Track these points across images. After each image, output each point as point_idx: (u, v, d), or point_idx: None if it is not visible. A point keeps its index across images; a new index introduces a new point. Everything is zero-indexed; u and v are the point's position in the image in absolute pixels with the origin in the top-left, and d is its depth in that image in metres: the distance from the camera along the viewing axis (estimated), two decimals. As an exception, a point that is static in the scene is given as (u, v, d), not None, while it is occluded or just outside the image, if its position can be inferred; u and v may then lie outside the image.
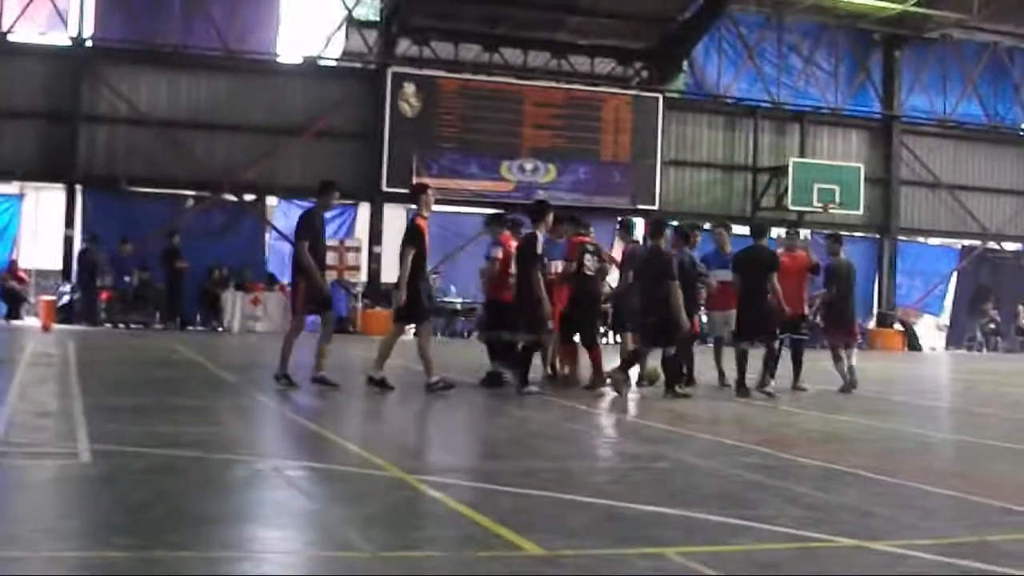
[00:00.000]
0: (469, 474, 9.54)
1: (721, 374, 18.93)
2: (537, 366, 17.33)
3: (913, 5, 39.53)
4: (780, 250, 19.68)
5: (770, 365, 17.82)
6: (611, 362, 17.51)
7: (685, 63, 40.97)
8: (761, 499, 8.58)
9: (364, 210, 36.99)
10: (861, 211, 41.25)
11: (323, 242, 16.63)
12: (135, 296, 33.33)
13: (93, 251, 32.86)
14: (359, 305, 35.98)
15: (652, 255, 17.27)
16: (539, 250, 16.44)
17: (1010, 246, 46.51)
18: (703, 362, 19.04)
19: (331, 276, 34.73)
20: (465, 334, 34.63)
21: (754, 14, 41.42)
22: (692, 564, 6.18)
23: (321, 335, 16.19)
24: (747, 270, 18.00)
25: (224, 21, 35.45)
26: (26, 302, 35.10)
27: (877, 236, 43.32)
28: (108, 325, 32.63)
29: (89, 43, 34.57)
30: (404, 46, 37.84)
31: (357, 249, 35.73)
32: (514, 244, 17.39)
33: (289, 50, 37.37)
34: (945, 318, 46.05)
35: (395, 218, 36.60)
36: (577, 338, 17.68)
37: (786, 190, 40.18)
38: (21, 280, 35.15)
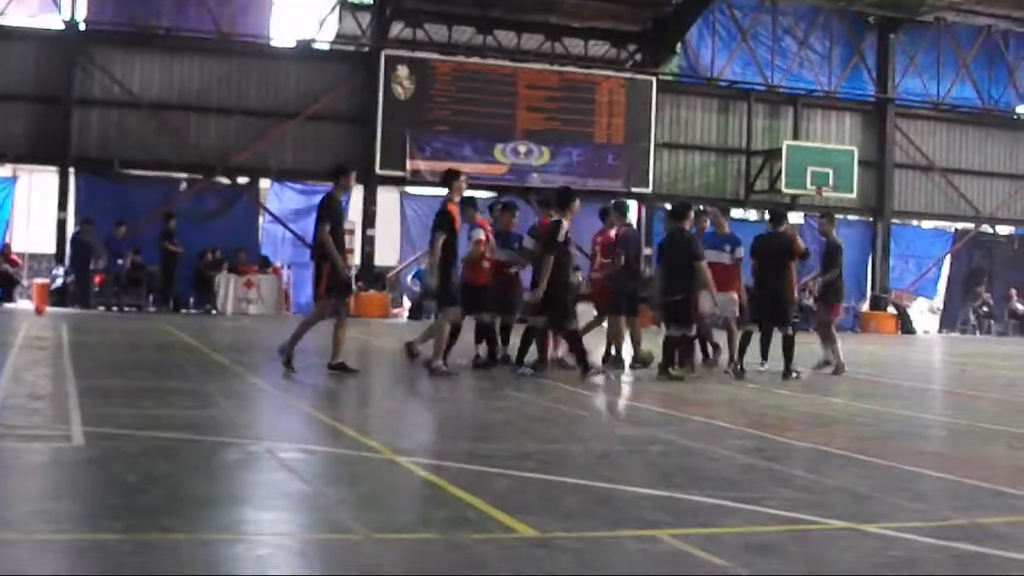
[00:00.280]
0: (463, 456, 9.54)
1: (705, 354, 18.92)
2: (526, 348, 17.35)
3: (907, -12, 39.56)
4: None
5: (790, 352, 17.88)
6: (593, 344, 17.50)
7: (679, 46, 40.97)
8: (754, 481, 8.59)
9: (357, 193, 36.92)
10: (855, 194, 41.26)
11: (343, 226, 16.43)
12: (128, 279, 33.30)
13: (86, 234, 32.83)
14: (352, 288, 35.92)
15: (676, 237, 17.35)
16: (561, 237, 16.43)
17: (1003, 229, 46.59)
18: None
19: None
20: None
21: (748, -4, 41.48)
22: (685, 546, 6.19)
23: (337, 321, 16.11)
24: (765, 256, 18.12)
25: (217, 4, 35.41)
26: (19, 285, 35.09)
27: (871, 219, 43.34)
28: (101, 308, 32.60)
29: (82, 26, 34.57)
30: (397, 29, 37.84)
31: (351, 232, 35.66)
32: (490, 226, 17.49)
33: (282, 33, 37.36)
34: (938, 301, 46.12)
35: (388, 201, 36.62)
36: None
37: (780, 173, 40.18)
38: (14, 263, 35.13)
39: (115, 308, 32.61)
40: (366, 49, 36.91)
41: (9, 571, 5.39)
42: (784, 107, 42.43)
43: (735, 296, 18.49)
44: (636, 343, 18.59)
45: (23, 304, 33.25)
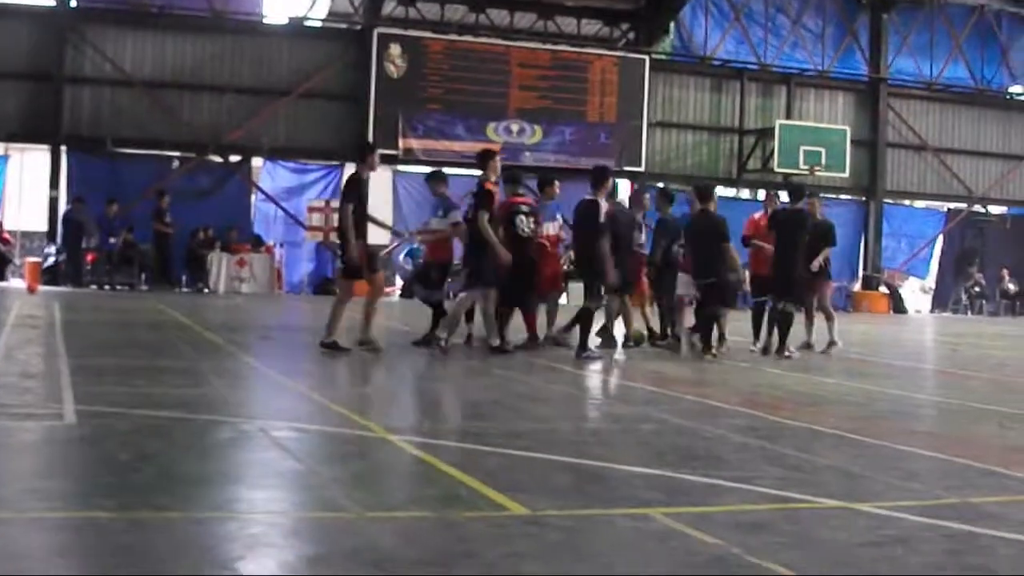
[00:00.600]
0: (455, 435, 9.56)
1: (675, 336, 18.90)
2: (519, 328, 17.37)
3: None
4: (759, 213, 19.85)
5: (786, 330, 18.06)
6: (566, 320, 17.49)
7: (672, 25, 40.92)
8: (746, 460, 8.61)
9: (350, 171, 36.82)
10: (847, 174, 41.29)
11: (367, 206, 16.29)
12: (121, 257, 33.27)
13: (78, 212, 32.79)
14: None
15: (702, 219, 17.54)
16: (602, 218, 16.43)
17: (995, 209, 46.64)
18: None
19: (316, 237, 34.95)
20: (450, 295, 34.62)
21: (741, -25, 41.44)
22: (677, 525, 6.20)
23: (337, 299, 16.14)
24: (784, 231, 18.15)
25: (210, -19, 35.35)
26: (11, 264, 35.06)
27: (863, 199, 43.37)
28: (94, 286, 32.61)
29: (73, 3, 34.49)
30: (390, 7, 37.80)
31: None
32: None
33: (275, 11, 37.30)
34: (930, 281, 46.21)
35: (380, 179, 36.55)
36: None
37: (772, 152, 40.17)
38: (6, 242, 35.12)
39: (107, 287, 32.60)
40: (359, 27, 36.87)
41: (2, 549, 5.40)
42: (777, 86, 42.43)
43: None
44: (627, 322, 18.59)
45: (15, 283, 33.23)
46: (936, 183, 44.72)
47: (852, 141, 41.57)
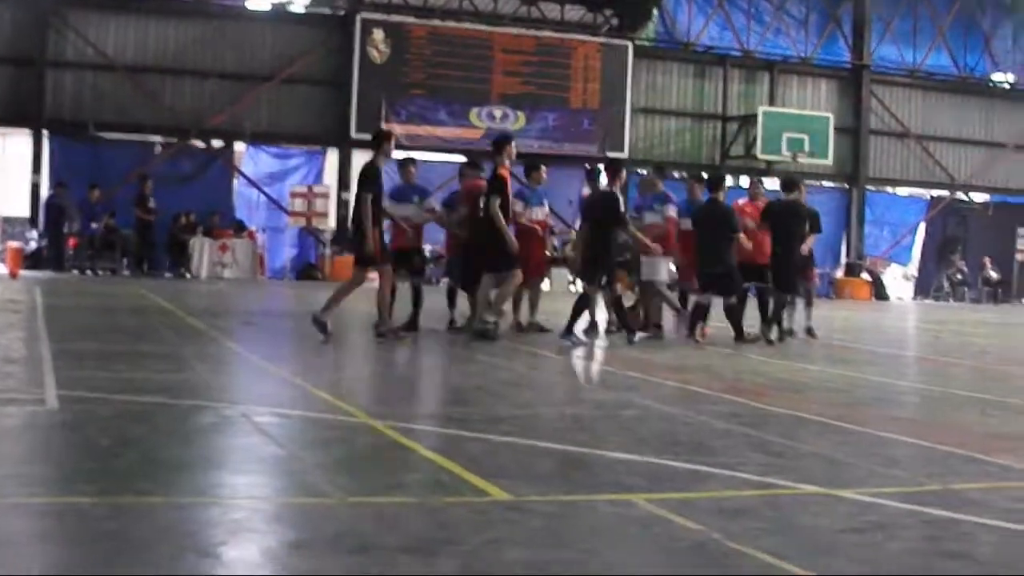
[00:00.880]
0: (437, 420, 9.55)
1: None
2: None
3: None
4: (743, 200, 19.87)
5: (778, 317, 18.28)
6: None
7: (655, 11, 40.91)
8: (728, 446, 8.61)
9: (332, 156, 36.90)
10: (830, 161, 41.40)
11: (382, 195, 16.16)
12: (103, 242, 33.21)
13: (60, 197, 32.71)
14: (327, 252, 35.95)
15: (712, 208, 17.72)
16: (623, 208, 16.61)
17: (978, 197, 46.78)
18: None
19: (299, 222, 34.93)
20: (434, 280, 34.64)
21: (725, -38, 41.44)
22: (659, 511, 6.21)
23: (345, 284, 16.13)
24: (780, 223, 18.29)
25: (192, -35, 35.28)
26: (-7, 248, 35.00)
27: (846, 186, 43.48)
28: (76, 271, 32.55)
29: (55, -13, 34.35)
30: (373, -8, 37.75)
31: (325, 195, 35.69)
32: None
33: (258, -4, 37.24)
34: (913, 268, 46.33)
35: (363, 164, 36.48)
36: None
37: (755, 139, 40.27)
38: (-12, 226, 35.03)
39: (89, 271, 32.54)
40: (342, 13, 36.84)
41: (-17, 534, 5.39)
42: (760, 73, 42.49)
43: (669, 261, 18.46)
44: (609, 308, 18.59)
45: (-4, 267, 33.18)
46: (919, 170, 44.84)
47: (835, 128, 41.66)
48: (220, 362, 13.46)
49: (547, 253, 18.87)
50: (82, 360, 12.27)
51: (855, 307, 35.42)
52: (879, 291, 42.57)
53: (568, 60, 38.72)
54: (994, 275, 44.09)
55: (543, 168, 18.30)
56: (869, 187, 43.88)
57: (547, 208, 18.02)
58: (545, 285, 18.96)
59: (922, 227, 45.70)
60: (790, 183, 19.18)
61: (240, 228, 35.20)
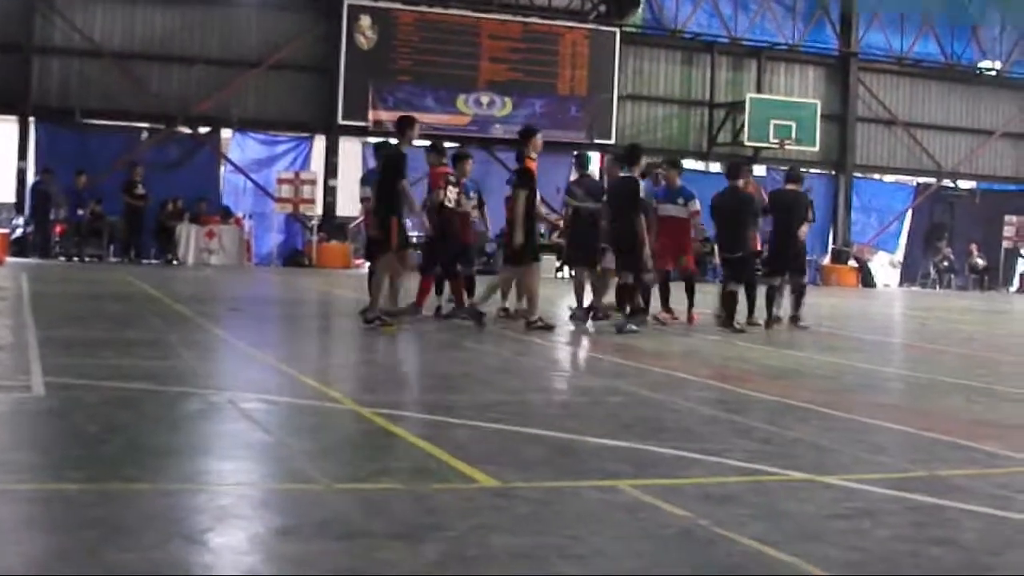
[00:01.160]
0: (425, 407, 9.56)
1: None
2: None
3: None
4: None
5: (777, 302, 18.68)
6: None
7: (643, -3, 40.89)
8: (714, 433, 8.64)
9: (319, 143, 36.85)
10: (817, 147, 41.40)
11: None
12: (89, 229, 33.14)
13: (47, 184, 32.63)
14: (314, 238, 35.93)
15: (731, 196, 18.13)
16: (642, 194, 16.68)
17: (965, 184, 46.80)
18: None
19: (285, 209, 34.87)
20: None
21: (713, -52, 41.40)
22: (646, 497, 6.22)
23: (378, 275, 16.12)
24: (783, 211, 18.71)
25: (179, -49, 35.16)
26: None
27: (833, 173, 43.50)
28: (62, 258, 32.49)
29: (42, -27, 34.23)
30: (360, -22, 37.66)
31: (312, 182, 35.64)
32: None
33: (245, -19, 37.10)
34: (899, 255, 46.34)
35: (350, 151, 36.49)
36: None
37: (743, 126, 40.26)
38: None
39: (76, 258, 32.48)
40: (329, -2, 36.76)
41: (-31, 520, 5.39)
42: (747, 60, 42.47)
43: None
44: (598, 294, 18.60)
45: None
46: (906, 157, 44.89)
47: (822, 115, 41.66)
48: (207, 349, 13.45)
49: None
50: (69, 347, 12.26)
51: (842, 294, 35.47)
52: (866, 278, 42.62)
53: (555, 47, 38.69)
54: (980, 262, 44.15)
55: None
56: (856, 174, 43.91)
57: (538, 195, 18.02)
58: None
59: (909, 214, 45.74)
60: (796, 175, 19.57)
61: (227, 214, 35.14)
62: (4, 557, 4.83)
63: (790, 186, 19.24)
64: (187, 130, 35.85)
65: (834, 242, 43.23)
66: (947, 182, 45.91)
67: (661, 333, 17.02)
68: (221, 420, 8.48)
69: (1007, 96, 46.21)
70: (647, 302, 17.20)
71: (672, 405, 9.86)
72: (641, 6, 41.02)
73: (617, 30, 39.61)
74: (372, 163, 19.38)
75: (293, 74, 36.39)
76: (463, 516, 5.78)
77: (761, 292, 18.61)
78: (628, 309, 16.68)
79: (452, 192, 17.05)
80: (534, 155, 16.67)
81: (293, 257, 35.96)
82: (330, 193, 36.35)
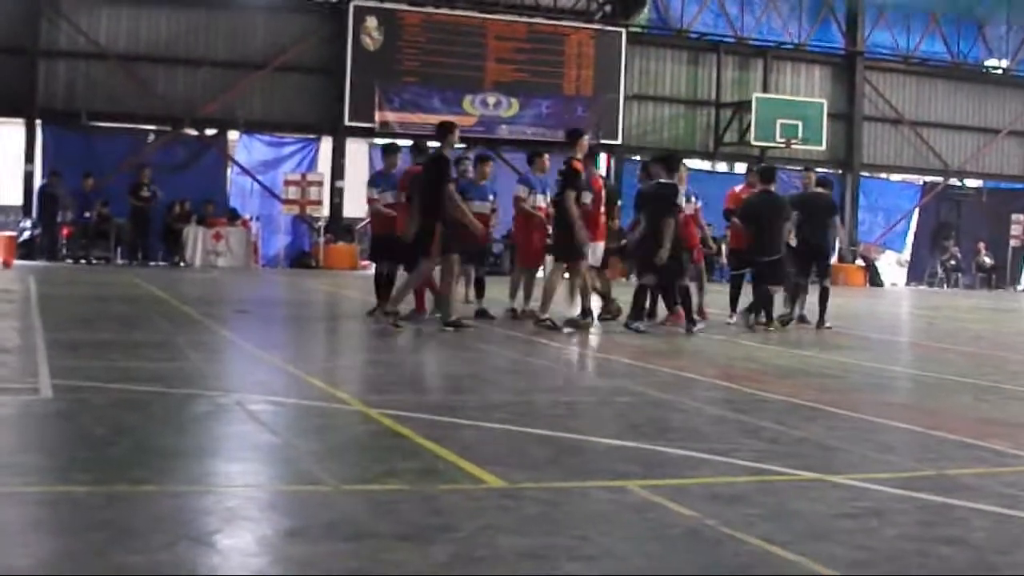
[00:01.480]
0: (432, 408, 9.54)
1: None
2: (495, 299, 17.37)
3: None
4: (740, 187, 19.93)
5: (825, 303, 18.91)
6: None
7: (649, -3, 40.89)
8: (722, 433, 8.63)
9: (326, 144, 36.86)
10: (824, 147, 41.36)
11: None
12: (96, 231, 33.16)
13: (54, 186, 32.67)
14: (321, 240, 35.94)
15: (766, 199, 18.33)
16: (681, 200, 17.13)
17: (971, 183, 46.80)
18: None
19: (292, 210, 34.88)
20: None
21: (718, -53, 41.39)
22: (654, 497, 6.21)
23: (442, 280, 16.15)
24: (811, 213, 18.87)
25: (184, -46, 35.18)
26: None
27: (839, 172, 43.41)
28: (69, 261, 32.52)
29: (48, -24, 34.26)
30: (366, -21, 37.68)
31: (319, 183, 35.64)
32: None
33: (251, -17, 37.13)
34: (906, 254, 46.32)
35: (357, 152, 36.50)
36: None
37: (749, 125, 40.24)
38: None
39: (83, 260, 32.50)
40: (334, 0, 36.72)
41: (-23, 523, 5.39)
42: (754, 59, 42.45)
43: (599, 245, 18.43)
44: (605, 295, 18.60)
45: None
46: (912, 156, 44.86)
47: (829, 114, 41.67)
48: (214, 350, 13.46)
49: (548, 241, 18.81)
50: (76, 349, 12.27)
51: (849, 293, 35.39)
52: (873, 277, 42.57)
53: (561, 47, 38.68)
54: (988, 261, 44.13)
55: (546, 156, 18.46)
56: (863, 173, 43.89)
57: (550, 196, 18.00)
58: (540, 273, 18.89)
59: (916, 213, 45.74)
60: (825, 181, 20.36)
61: (234, 216, 35.15)
62: (13, 559, 4.83)
63: (819, 189, 19.61)
64: (194, 132, 35.91)
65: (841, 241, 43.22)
66: (954, 181, 45.91)
67: (668, 334, 17.00)
68: (228, 422, 8.48)
69: (1014, 94, 46.18)
70: (688, 305, 17.25)
71: (680, 405, 9.86)
72: (647, 6, 41.03)
73: (623, 30, 39.62)
74: (379, 165, 19.40)
75: (299, 76, 36.42)
76: (471, 517, 5.77)
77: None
78: (688, 314, 17.06)
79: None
80: (579, 156, 16.86)
81: (300, 259, 35.98)
82: (337, 194, 36.36)
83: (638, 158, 30.54)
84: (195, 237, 33.70)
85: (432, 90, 36.99)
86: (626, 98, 39.59)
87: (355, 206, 35.22)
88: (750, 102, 40.41)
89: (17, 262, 29.86)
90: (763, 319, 18.16)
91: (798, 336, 17.70)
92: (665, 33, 41.42)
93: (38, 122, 33.99)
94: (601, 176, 19.67)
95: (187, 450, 7.35)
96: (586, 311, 16.81)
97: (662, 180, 17.11)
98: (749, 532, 5.56)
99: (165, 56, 35.08)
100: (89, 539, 5.15)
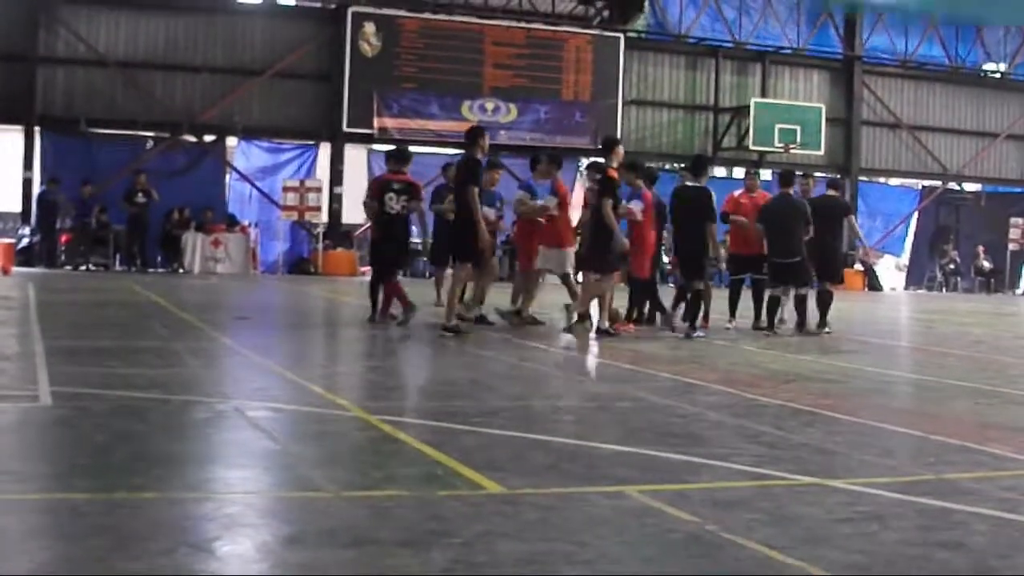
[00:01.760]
0: (431, 414, 9.55)
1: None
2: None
3: (875, -56, 39.54)
4: (739, 191, 19.92)
5: (827, 307, 18.98)
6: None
7: (646, 2, 40.83)
8: (722, 437, 8.63)
9: (325, 150, 36.85)
10: (822, 151, 41.37)
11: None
12: (95, 238, 33.15)
13: (53, 193, 32.66)
14: (320, 246, 35.93)
15: (784, 202, 18.52)
16: (714, 207, 17.46)
17: (970, 187, 46.78)
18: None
19: (291, 216, 34.87)
20: (427, 275, 34.65)
21: (716, -48, 41.41)
22: (653, 502, 6.22)
23: (456, 278, 16.31)
24: (824, 217, 18.88)
25: (182, -40, 35.19)
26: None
27: (838, 176, 43.38)
28: (68, 267, 32.49)
29: (46, -17, 34.26)
30: (364, -15, 37.70)
31: (318, 189, 35.62)
32: None
33: (248, -10, 37.15)
34: (905, 258, 46.27)
35: (355, 159, 36.50)
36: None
37: (747, 130, 40.24)
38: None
39: (82, 267, 32.49)
40: (333, 6, 36.73)
41: (-23, 530, 5.39)
42: (752, 64, 42.43)
43: (569, 251, 18.38)
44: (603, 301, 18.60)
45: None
46: (911, 161, 44.85)
47: (827, 119, 41.67)
48: (213, 357, 13.46)
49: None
50: (75, 356, 12.27)
51: (848, 298, 35.37)
52: (872, 281, 42.54)
53: (560, 52, 38.67)
54: (987, 265, 44.12)
55: (547, 161, 18.49)
56: (861, 178, 43.86)
57: (555, 200, 17.99)
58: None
59: (915, 217, 45.71)
60: (837, 184, 21.29)
61: (232, 222, 35.12)
62: (13, 566, 4.83)
63: (831, 191, 19.98)
64: (192, 138, 35.86)
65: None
66: (953, 185, 45.88)
67: (668, 339, 17.00)
68: (228, 428, 8.49)
69: (1012, 98, 46.16)
70: (696, 310, 17.29)
71: (679, 410, 9.86)
72: (645, 11, 41.01)
73: (621, 35, 39.61)
74: (378, 170, 19.40)
75: (298, 82, 36.40)
76: (470, 523, 5.77)
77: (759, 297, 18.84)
78: (695, 316, 17.21)
79: (392, 199, 17.08)
80: (615, 164, 16.98)
81: (299, 265, 35.95)
82: (335, 200, 36.34)
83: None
84: (194, 243, 33.67)
85: (430, 96, 36.98)
86: (624, 103, 39.57)
87: (354, 212, 35.28)
88: (748, 107, 40.43)
89: (16, 269, 29.84)
90: (763, 324, 18.21)
91: (798, 341, 17.69)
92: (663, 38, 41.41)
93: (37, 129, 33.94)
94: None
95: (187, 457, 7.36)
96: (583, 317, 16.85)
97: (691, 183, 17.57)
98: (749, 537, 5.57)
99: (164, 63, 35.06)
100: (89, 545, 5.15)
